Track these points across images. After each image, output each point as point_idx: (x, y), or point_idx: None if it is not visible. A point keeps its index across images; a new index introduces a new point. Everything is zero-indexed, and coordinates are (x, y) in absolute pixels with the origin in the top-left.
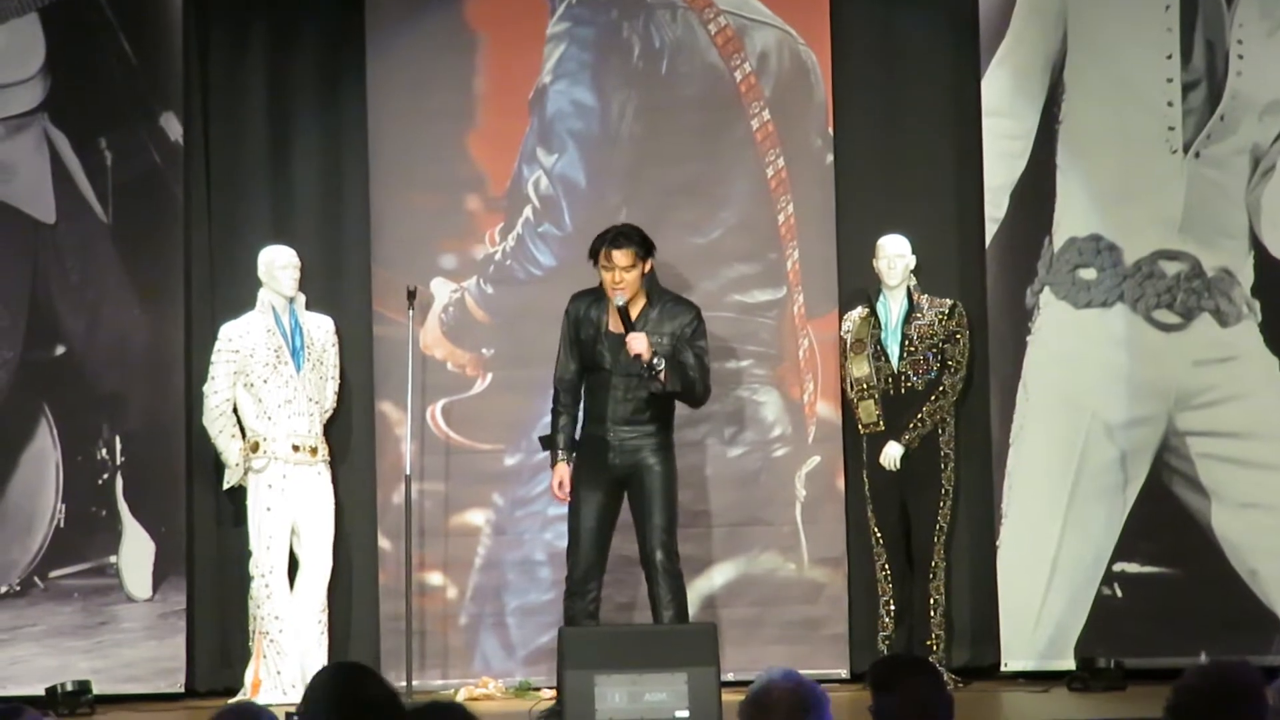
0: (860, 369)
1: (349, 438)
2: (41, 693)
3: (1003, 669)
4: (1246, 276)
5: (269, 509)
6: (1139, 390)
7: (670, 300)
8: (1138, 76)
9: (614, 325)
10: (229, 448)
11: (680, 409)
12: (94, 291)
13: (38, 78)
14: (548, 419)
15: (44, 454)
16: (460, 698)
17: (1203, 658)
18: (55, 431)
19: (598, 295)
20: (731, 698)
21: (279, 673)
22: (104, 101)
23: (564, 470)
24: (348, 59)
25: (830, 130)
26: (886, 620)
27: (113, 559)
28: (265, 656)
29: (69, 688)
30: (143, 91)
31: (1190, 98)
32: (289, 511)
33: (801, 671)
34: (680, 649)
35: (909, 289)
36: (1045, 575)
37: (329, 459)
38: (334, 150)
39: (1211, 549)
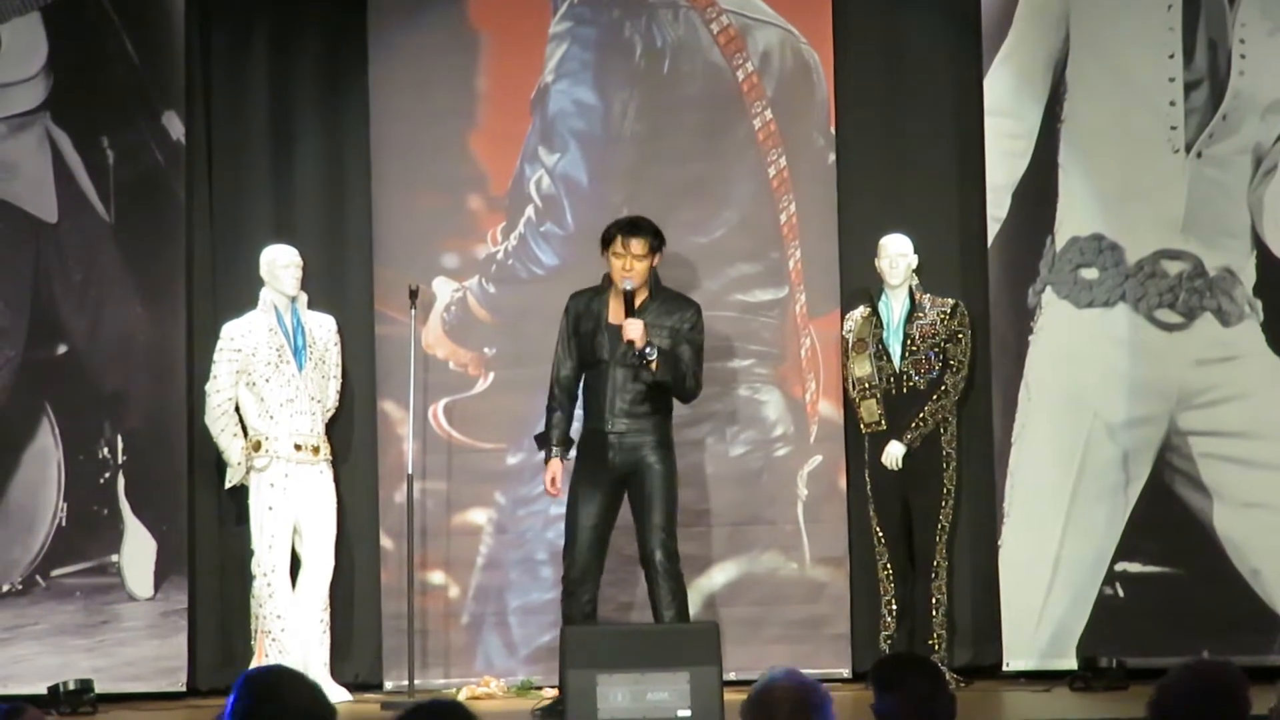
0: (862, 368)
1: (351, 437)
2: (44, 691)
3: (1004, 668)
4: (1248, 276)
5: (271, 508)
6: (1141, 390)
7: (671, 296)
8: (1140, 76)
9: (614, 317)
10: (231, 447)
11: (676, 406)
12: (96, 290)
13: (40, 77)
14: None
15: (46, 453)
16: (462, 697)
17: (1204, 657)
18: (57, 430)
19: (597, 290)
20: (733, 697)
21: None
22: (106, 101)
23: (555, 467)
24: (349, 58)
25: (832, 129)
26: (888, 619)
27: (114, 558)
28: (267, 655)
29: (71, 686)
30: (145, 90)
31: (1192, 97)
32: (291, 510)
33: (803, 671)
34: (682, 648)
35: (911, 288)
36: (1047, 575)
37: (331, 458)
38: (336, 149)
39: (1213, 548)
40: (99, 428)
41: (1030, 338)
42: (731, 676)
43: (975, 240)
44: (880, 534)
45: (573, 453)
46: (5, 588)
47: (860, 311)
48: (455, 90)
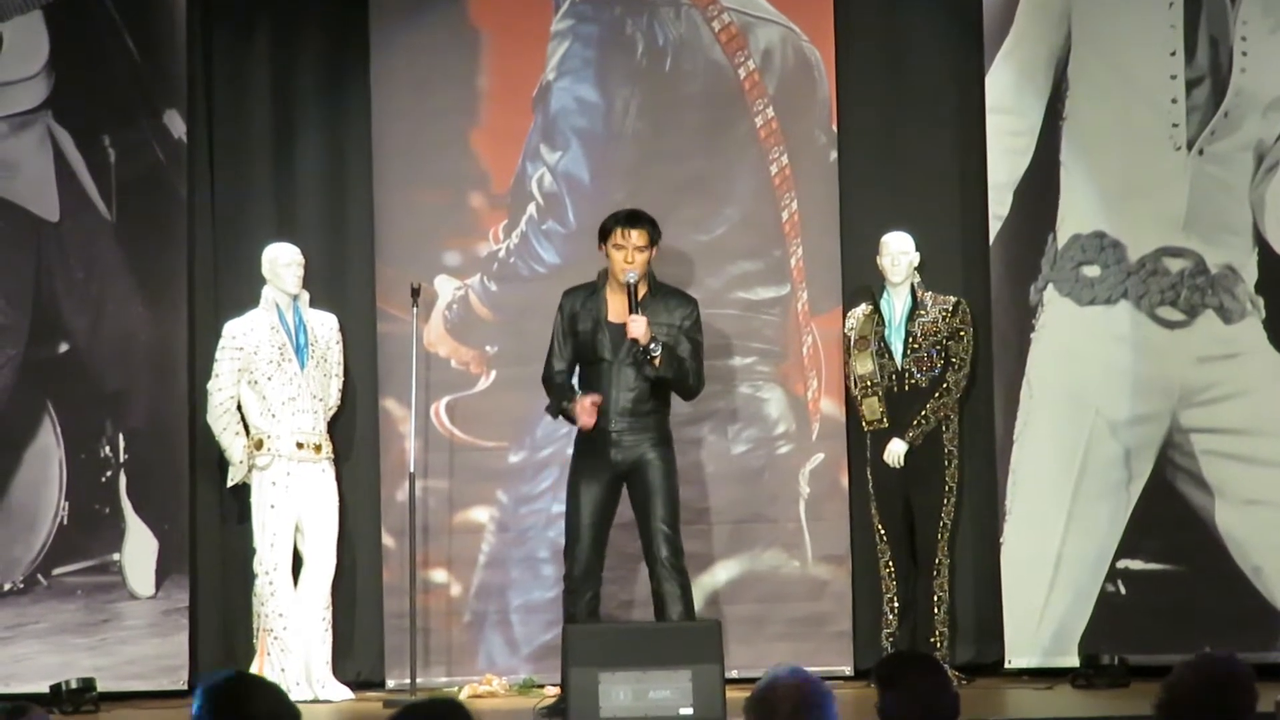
0: (864, 366)
1: (353, 435)
2: (45, 690)
3: (1007, 666)
4: (1250, 273)
5: (273, 506)
6: (1143, 387)
7: (669, 292)
8: (1142, 73)
9: (613, 315)
10: (233, 445)
11: (677, 404)
12: (97, 289)
13: (41, 75)
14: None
15: (47, 451)
16: (464, 695)
17: (1208, 651)
18: (59, 429)
19: (593, 288)
20: (736, 695)
21: (283, 670)
22: (108, 99)
23: (584, 400)
24: (351, 56)
25: (834, 127)
26: (890, 617)
27: (116, 556)
28: (269, 654)
29: (73, 685)
30: (147, 89)
31: (1194, 94)
32: (293, 509)
33: (806, 668)
34: (685, 646)
35: (913, 286)
36: (1049, 572)
37: (333, 456)
38: (338, 147)
39: (1215, 546)
40: (100, 426)
41: (1032, 335)
42: (734, 675)
43: (977, 238)
44: (882, 532)
45: (572, 451)
46: (7, 586)
47: (862, 309)
48: (457, 88)
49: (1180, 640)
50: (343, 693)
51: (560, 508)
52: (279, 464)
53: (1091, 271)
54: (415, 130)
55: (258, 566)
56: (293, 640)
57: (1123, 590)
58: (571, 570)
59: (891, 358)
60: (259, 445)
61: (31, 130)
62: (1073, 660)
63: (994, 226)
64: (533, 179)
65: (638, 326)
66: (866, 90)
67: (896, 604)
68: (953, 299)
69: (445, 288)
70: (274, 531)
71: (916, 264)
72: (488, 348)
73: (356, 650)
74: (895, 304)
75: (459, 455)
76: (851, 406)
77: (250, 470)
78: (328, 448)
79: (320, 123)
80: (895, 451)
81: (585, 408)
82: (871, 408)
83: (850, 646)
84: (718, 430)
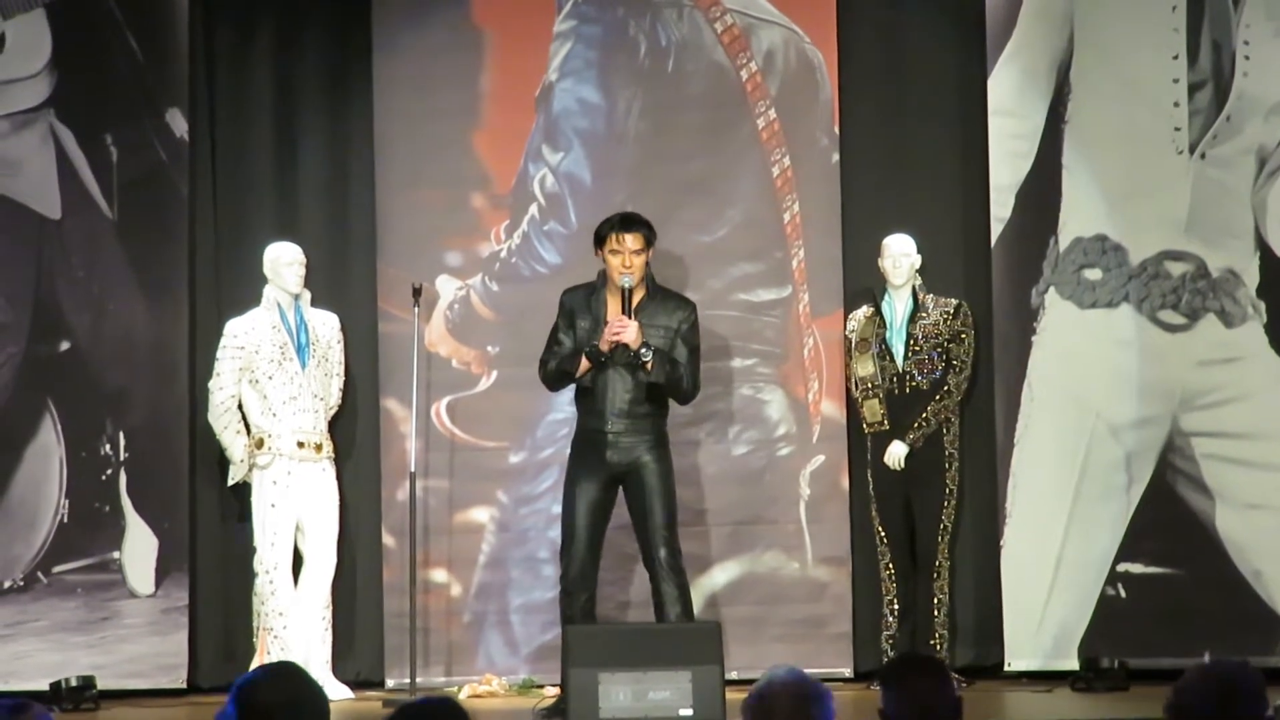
0: (865, 368)
1: (354, 434)
2: (45, 688)
3: (1006, 669)
4: (1252, 277)
5: (273, 505)
6: (1144, 391)
7: (667, 295)
8: (1144, 77)
9: (612, 317)
10: (234, 444)
11: (678, 405)
12: (99, 287)
13: (44, 73)
14: (554, 415)
15: (48, 449)
16: (463, 695)
17: (1206, 658)
18: (59, 427)
19: (592, 289)
20: (735, 696)
21: None
22: (110, 98)
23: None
24: (354, 56)
25: (836, 129)
26: (890, 619)
27: (116, 554)
28: (269, 653)
29: (73, 683)
30: (149, 88)
31: (1196, 98)
32: (293, 508)
33: (805, 670)
34: (684, 647)
35: (914, 288)
36: (1049, 575)
37: (334, 456)
38: (340, 147)
39: (1215, 550)
40: (101, 424)
41: (1033, 338)
42: (733, 676)
43: (979, 240)
44: (882, 534)
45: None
46: (7, 584)
47: (863, 311)
48: (459, 88)
49: (1180, 644)
50: (342, 692)
51: (560, 508)
52: (280, 463)
53: (1093, 274)
54: (417, 130)
55: (258, 565)
56: (292, 639)
57: (1123, 594)
58: (566, 571)
59: (892, 360)
60: (260, 444)
61: (34, 128)
62: (1073, 663)
63: (996, 229)
64: (534, 179)
65: (629, 331)
66: (869, 92)
67: (896, 606)
68: (954, 301)
69: (447, 288)
70: (274, 530)
71: (918, 266)
72: (489, 348)
73: (356, 649)
74: (896, 306)
75: (459, 455)
76: (852, 408)
77: (251, 469)
78: (328, 447)
79: (322, 122)
80: (896, 454)
81: (615, 322)
82: (872, 410)
83: (850, 648)
84: (718, 432)
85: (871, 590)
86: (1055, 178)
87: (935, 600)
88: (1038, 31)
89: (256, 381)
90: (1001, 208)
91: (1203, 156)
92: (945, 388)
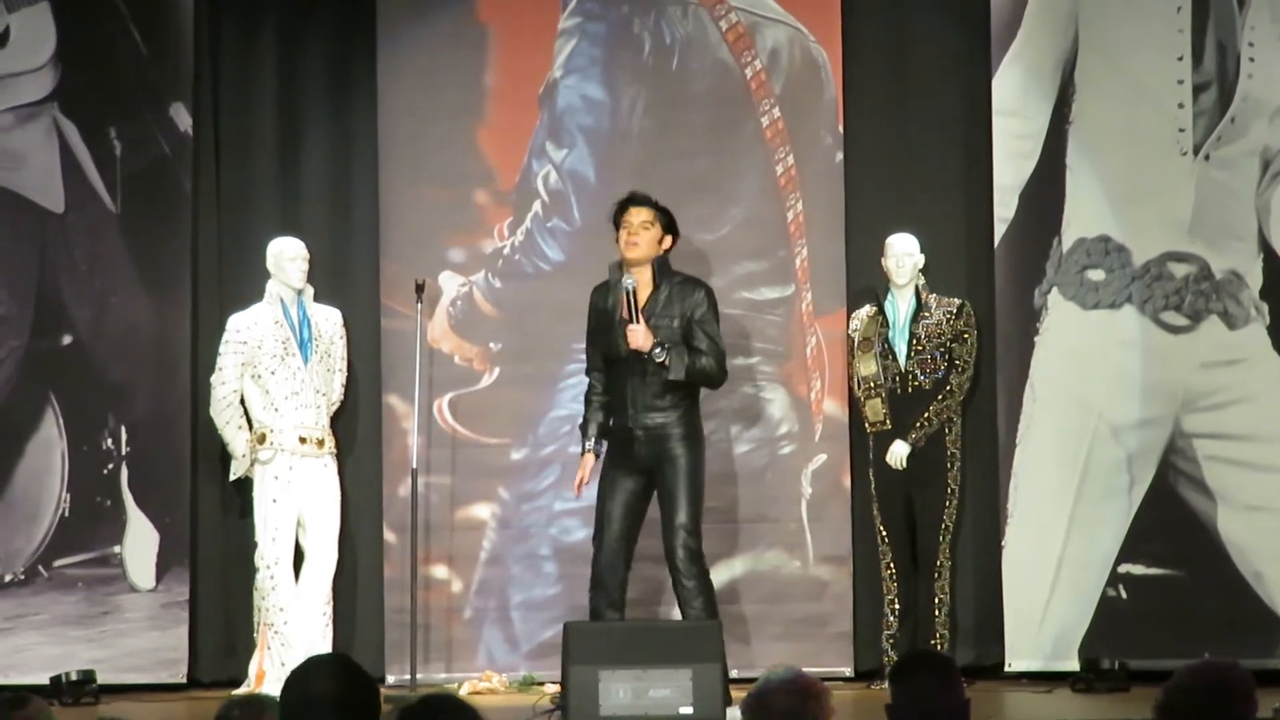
0: (867, 367)
1: (356, 430)
2: (45, 681)
3: (1007, 669)
4: (1255, 279)
5: (275, 500)
6: (1146, 392)
7: (680, 281)
8: (1148, 78)
9: (626, 313)
10: (236, 439)
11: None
12: (101, 281)
13: (48, 67)
14: (556, 413)
15: (49, 443)
16: (464, 692)
17: (1208, 658)
18: (61, 420)
19: (611, 285)
20: (736, 695)
21: (283, 664)
22: (114, 91)
23: (587, 463)
24: (358, 52)
25: (840, 128)
26: (891, 619)
27: (117, 549)
28: (270, 648)
29: (73, 677)
30: (153, 82)
31: (1201, 99)
32: (295, 503)
33: (805, 669)
34: (685, 645)
35: (917, 288)
36: (1050, 576)
37: (335, 451)
38: (343, 143)
39: (1217, 551)
40: (103, 418)
41: (1036, 338)
42: (734, 674)
43: (982, 240)
44: (884, 533)
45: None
46: (7, 578)
47: (866, 310)
48: (463, 85)
49: (1181, 645)
50: None
51: (561, 505)
52: (281, 458)
53: (1096, 275)
54: (421, 126)
55: (259, 561)
56: (293, 635)
57: (1124, 595)
58: (595, 564)
59: (895, 359)
60: (261, 439)
61: (38, 122)
62: (1073, 664)
63: (999, 229)
64: (538, 176)
65: (635, 338)
66: (873, 92)
67: (897, 605)
68: (957, 301)
69: (450, 284)
70: (275, 526)
71: (921, 266)
72: (491, 344)
73: (357, 645)
74: (899, 306)
75: (461, 451)
76: (854, 408)
77: (252, 464)
78: (330, 443)
79: (326, 118)
80: (898, 453)
81: (577, 479)
82: (874, 409)
83: (851, 647)
84: (720, 430)
85: (872, 589)
86: (1059, 178)
87: (936, 600)
88: (1042, 32)
89: (259, 376)
90: (1005, 208)
91: (1207, 158)
92: (948, 387)
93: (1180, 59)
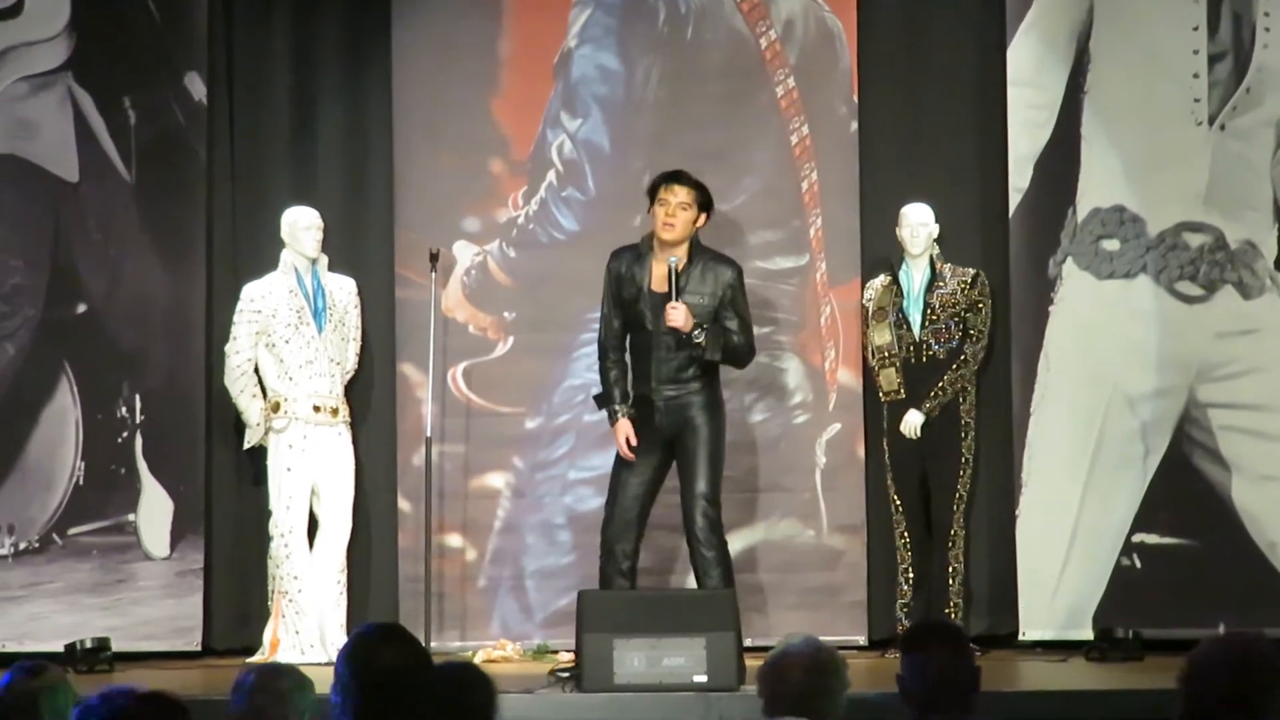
0: (882, 337)
1: (370, 399)
2: (60, 649)
3: (1021, 638)
4: (1270, 249)
5: (289, 469)
6: (1161, 362)
7: (710, 257)
8: (1164, 48)
9: (656, 285)
10: (250, 408)
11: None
12: (116, 250)
13: (62, 36)
14: (571, 382)
15: (64, 412)
16: (478, 660)
17: (1221, 629)
18: (76, 389)
19: (638, 253)
20: (750, 663)
21: (297, 632)
22: (128, 61)
23: (625, 427)
24: (373, 21)
25: (855, 98)
26: (905, 588)
27: (131, 517)
28: (284, 616)
29: (88, 645)
30: (167, 51)
31: (1216, 70)
32: (309, 472)
33: (820, 638)
34: (699, 614)
35: (932, 257)
36: (1064, 545)
37: (350, 420)
38: (358, 112)
39: (1231, 521)
40: (117, 387)
41: (1050, 308)
42: (748, 643)
43: (997, 210)
44: (898, 502)
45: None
46: (22, 545)
47: (881, 280)
48: (478, 54)
49: (1195, 615)
50: None
51: (576, 474)
52: (295, 427)
53: (1111, 245)
54: (436, 96)
55: (273, 529)
56: (307, 603)
57: (1138, 564)
58: (605, 531)
59: (909, 329)
60: (276, 408)
61: (52, 91)
62: (1087, 633)
63: (1014, 199)
64: (553, 146)
65: (676, 317)
66: (888, 61)
67: (911, 575)
68: (971, 271)
69: (464, 253)
70: (290, 494)
71: (936, 236)
72: (506, 313)
73: (371, 614)
74: (914, 275)
75: (475, 420)
76: (869, 377)
77: (267, 433)
78: (344, 411)
79: (341, 87)
80: (912, 423)
81: (622, 444)
82: (889, 379)
83: (865, 617)
84: (734, 399)
85: (886, 559)
86: (1074, 148)
87: (950, 569)
88: (1057, 1)
89: (273, 345)
90: (1020, 178)
91: (1222, 128)
92: (962, 357)
93: (1195, 29)
